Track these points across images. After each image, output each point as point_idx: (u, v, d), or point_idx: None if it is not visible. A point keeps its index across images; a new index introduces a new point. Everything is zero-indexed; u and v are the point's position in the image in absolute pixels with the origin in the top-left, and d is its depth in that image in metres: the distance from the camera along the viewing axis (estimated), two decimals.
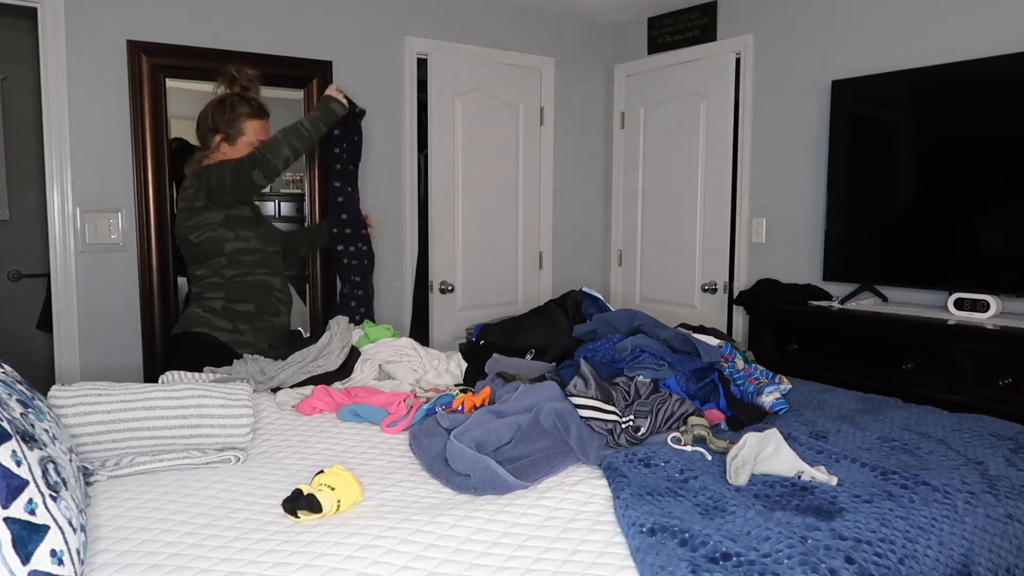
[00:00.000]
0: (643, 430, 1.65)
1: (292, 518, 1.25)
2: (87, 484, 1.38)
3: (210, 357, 2.29)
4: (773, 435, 1.48)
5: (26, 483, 0.97)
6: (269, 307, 2.49)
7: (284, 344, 2.36)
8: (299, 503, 1.25)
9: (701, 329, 2.25)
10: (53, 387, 1.49)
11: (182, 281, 3.33)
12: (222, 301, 2.43)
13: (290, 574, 1.08)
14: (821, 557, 1.12)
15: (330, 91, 2.67)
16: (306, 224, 3.47)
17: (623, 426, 1.65)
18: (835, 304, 3.13)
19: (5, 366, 1.28)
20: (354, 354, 2.19)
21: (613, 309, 2.32)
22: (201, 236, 2.39)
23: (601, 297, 2.44)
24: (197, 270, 2.46)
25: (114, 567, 1.09)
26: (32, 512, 0.95)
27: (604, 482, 1.42)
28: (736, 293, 3.68)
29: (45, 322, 3.46)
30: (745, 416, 1.81)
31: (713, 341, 2.05)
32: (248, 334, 2.43)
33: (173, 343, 2.50)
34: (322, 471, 1.33)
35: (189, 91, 3.21)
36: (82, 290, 2.97)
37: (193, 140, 2.67)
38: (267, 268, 2.48)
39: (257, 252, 2.45)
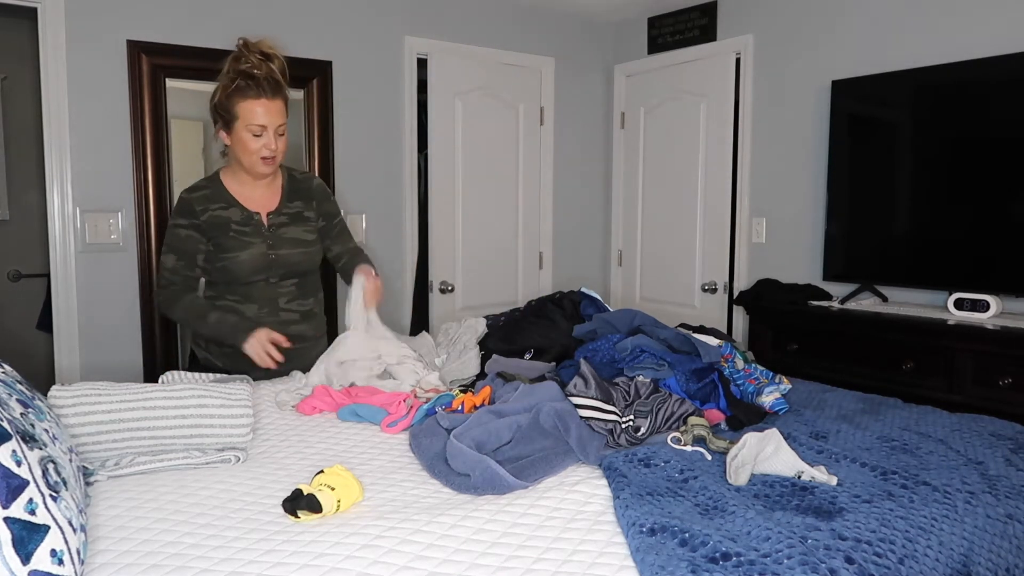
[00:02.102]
0: (643, 430, 1.65)
1: (292, 518, 1.25)
2: (87, 484, 1.38)
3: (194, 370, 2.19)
4: (773, 435, 1.48)
5: (26, 483, 0.97)
6: None
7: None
8: (299, 503, 1.25)
9: (701, 329, 2.24)
10: (53, 387, 1.49)
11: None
12: None
13: (290, 574, 1.08)
14: (821, 557, 1.12)
15: (254, 341, 2.08)
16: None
17: (623, 426, 1.65)
18: (835, 304, 3.14)
19: (5, 366, 1.28)
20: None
21: (611, 309, 2.32)
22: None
23: (599, 298, 2.43)
24: None
25: (114, 567, 1.09)
26: (32, 512, 0.95)
27: (604, 482, 1.42)
28: (736, 293, 3.69)
29: (45, 322, 3.46)
30: (745, 416, 1.80)
31: (713, 341, 2.05)
32: (218, 357, 2.25)
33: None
34: (322, 471, 1.33)
35: (189, 91, 3.21)
36: (82, 290, 2.97)
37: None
38: (239, 296, 2.20)
39: (227, 274, 2.18)
